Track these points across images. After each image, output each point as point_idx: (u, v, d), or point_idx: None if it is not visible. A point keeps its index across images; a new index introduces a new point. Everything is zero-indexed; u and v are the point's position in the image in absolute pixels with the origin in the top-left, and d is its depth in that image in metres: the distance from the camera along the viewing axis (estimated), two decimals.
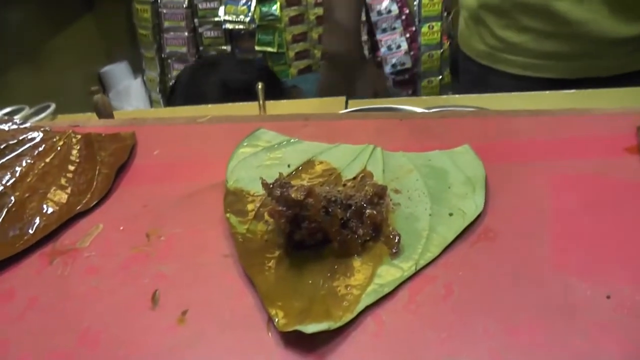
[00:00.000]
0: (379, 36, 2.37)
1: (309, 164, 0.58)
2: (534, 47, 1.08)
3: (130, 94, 2.60)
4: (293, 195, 0.45)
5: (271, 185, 0.46)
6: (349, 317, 0.42)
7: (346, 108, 1.01)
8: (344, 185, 0.54)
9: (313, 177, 0.56)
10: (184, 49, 2.51)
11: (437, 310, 0.43)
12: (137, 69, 2.67)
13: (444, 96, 1.03)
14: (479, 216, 0.50)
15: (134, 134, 0.68)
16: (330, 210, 0.46)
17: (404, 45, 2.36)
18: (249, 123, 0.67)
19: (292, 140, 0.62)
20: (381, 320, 0.42)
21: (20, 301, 0.48)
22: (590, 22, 1.02)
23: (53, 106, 1.17)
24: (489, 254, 0.47)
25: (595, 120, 0.61)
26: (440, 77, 2.43)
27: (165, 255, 0.51)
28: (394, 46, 2.36)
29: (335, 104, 1.05)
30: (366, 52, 2.38)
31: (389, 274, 0.45)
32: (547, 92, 1.00)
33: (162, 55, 2.55)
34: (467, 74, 1.23)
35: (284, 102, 1.11)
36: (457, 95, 1.04)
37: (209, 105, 1.19)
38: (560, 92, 0.99)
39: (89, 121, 0.75)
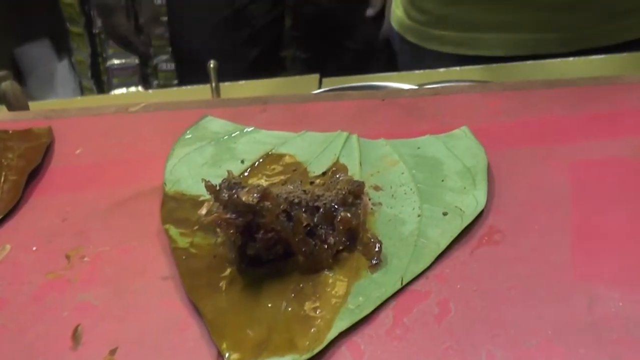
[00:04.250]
0: None
1: (267, 159, 0.58)
2: (468, 18, 1.07)
3: (55, 81, 2.59)
4: (244, 199, 0.44)
5: (217, 187, 0.46)
6: (318, 347, 0.42)
7: (320, 88, 1.01)
8: (312, 183, 0.55)
9: (273, 175, 0.56)
10: None
11: (429, 334, 0.42)
12: (63, 49, 2.66)
13: (441, 70, 1.02)
14: (480, 214, 0.50)
15: (50, 130, 0.67)
16: (292, 214, 0.46)
17: None
18: (192, 110, 0.67)
19: (247, 129, 0.62)
20: (359, 350, 0.42)
21: None
22: None
23: None
24: (494, 262, 0.47)
25: (627, 91, 0.62)
26: None
27: (89, 281, 0.50)
28: None
29: (306, 83, 1.05)
30: None
31: (368, 291, 0.45)
32: (571, 59, 1.00)
33: (93, 31, 2.53)
34: (404, 55, 1.25)
35: (241, 83, 1.11)
36: (456, 68, 1.03)
37: (150, 91, 1.19)
38: (584, 58, 0.99)
39: None
